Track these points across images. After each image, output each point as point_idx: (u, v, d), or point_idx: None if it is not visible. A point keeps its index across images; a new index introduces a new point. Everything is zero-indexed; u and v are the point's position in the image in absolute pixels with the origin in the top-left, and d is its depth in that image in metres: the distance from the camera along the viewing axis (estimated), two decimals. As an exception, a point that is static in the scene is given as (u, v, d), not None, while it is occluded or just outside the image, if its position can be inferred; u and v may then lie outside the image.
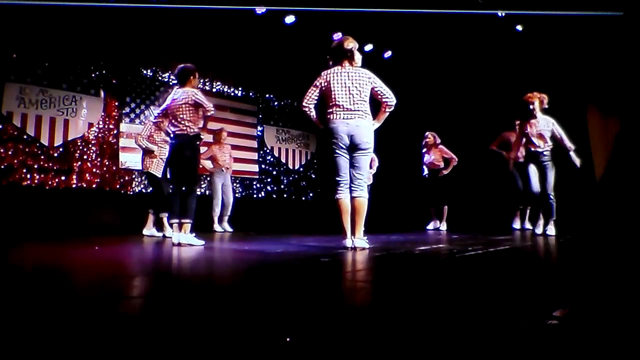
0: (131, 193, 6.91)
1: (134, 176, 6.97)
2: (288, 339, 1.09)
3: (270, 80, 8.77)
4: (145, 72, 7.29)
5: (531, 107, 5.16)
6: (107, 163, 6.73)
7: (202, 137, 4.19)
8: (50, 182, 6.19)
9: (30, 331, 1.20)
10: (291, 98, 9.24)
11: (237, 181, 8.13)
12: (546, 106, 5.22)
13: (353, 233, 3.50)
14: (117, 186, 6.81)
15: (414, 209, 8.28)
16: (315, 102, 3.63)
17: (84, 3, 5.91)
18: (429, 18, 6.84)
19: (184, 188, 4.12)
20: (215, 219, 6.61)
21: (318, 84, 3.59)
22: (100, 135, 6.72)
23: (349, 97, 3.48)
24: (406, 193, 8.82)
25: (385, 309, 1.54)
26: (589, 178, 7.73)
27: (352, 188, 3.53)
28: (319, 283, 2.11)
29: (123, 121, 6.96)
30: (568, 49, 7.38)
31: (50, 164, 6.23)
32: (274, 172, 8.88)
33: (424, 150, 7.30)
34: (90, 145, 6.60)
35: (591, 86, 7.82)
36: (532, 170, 5.25)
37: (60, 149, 6.34)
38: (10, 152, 5.92)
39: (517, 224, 6.48)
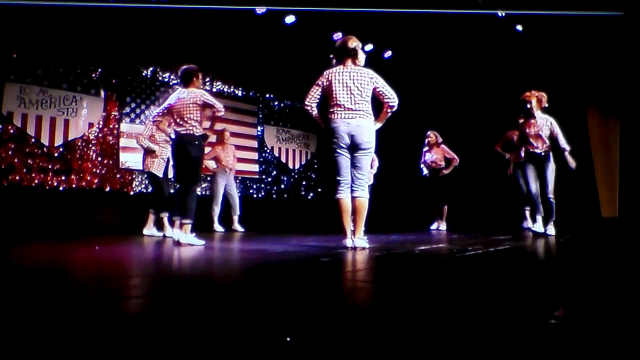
0: (131, 193, 6.91)
1: (134, 176, 6.97)
2: (288, 339, 1.09)
3: (270, 80, 8.77)
4: (145, 72, 7.29)
5: (528, 106, 5.08)
6: (107, 163, 6.73)
7: (208, 137, 4.19)
8: (50, 182, 6.19)
9: (30, 331, 1.21)
10: (291, 98, 9.24)
11: (238, 181, 8.11)
12: (545, 105, 5.12)
13: (353, 233, 3.50)
14: (117, 186, 6.81)
15: (414, 209, 8.28)
16: (318, 101, 3.62)
17: (84, 3, 5.92)
18: (429, 18, 6.85)
19: (186, 187, 4.12)
20: (215, 219, 6.61)
21: (320, 83, 3.59)
22: (100, 135, 6.72)
23: (350, 97, 3.47)
24: (407, 193, 8.82)
25: (385, 309, 1.54)
26: (589, 178, 7.74)
27: (353, 188, 3.52)
28: (319, 283, 2.11)
29: (123, 121, 6.96)
30: (568, 49, 7.38)
31: (51, 164, 6.23)
32: (274, 172, 8.88)
33: (426, 149, 7.30)
34: (90, 145, 6.60)
35: (591, 86, 7.82)
36: (531, 171, 5.14)
37: (61, 149, 6.34)
38: (10, 152, 5.92)
39: (527, 224, 6.42)
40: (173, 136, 4.24)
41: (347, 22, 6.75)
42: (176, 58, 7.50)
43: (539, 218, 5.14)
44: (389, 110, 3.61)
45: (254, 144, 8.57)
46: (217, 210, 6.64)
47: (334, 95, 3.50)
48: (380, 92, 3.56)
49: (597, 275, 2.34)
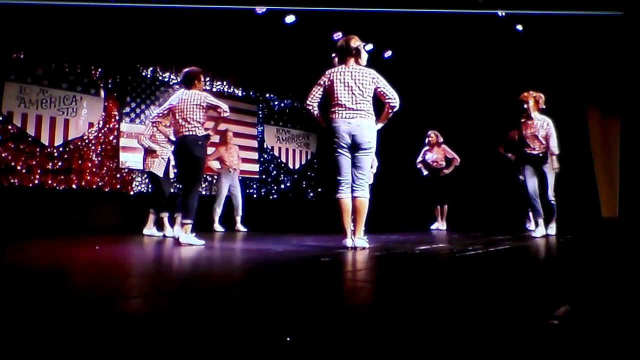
0: (131, 193, 6.91)
1: (134, 176, 6.97)
2: (288, 339, 1.09)
3: (270, 80, 8.77)
4: (145, 72, 7.29)
5: (525, 106, 5.04)
6: (107, 163, 6.73)
7: (210, 137, 4.20)
8: (50, 182, 6.19)
9: (29, 331, 1.21)
10: (291, 98, 9.24)
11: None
12: (543, 106, 5.06)
13: (354, 233, 3.50)
14: (117, 186, 6.81)
15: (415, 209, 8.28)
16: (319, 100, 3.62)
17: (84, 3, 5.91)
18: (429, 18, 6.84)
19: (188, 187, 4.13)
20: (216, 219, 6.61)
21: (322, 82, 3.59)
22: (100, 135, 6.72)
23: (352, 97, 3.47)
24: (407, 193, 8.82)
25: (385, 309, 1.54)
26: (589, 178, 7.74)
27: (354, 188, 3.52)
28: (319, 283, 2.11)
29: (123, 121, 6.96)
30: (568, 49, 7.38)
31: (51, 164, 6.22)
32: (274, 172, 8.88)
33: (426, 148, 7.29)
34: (90, 145, 6.60)
35: (591, 86, 7.82)
36: (529, 172, 5.09)
37: (61, 149, 6.34)
38: (10, 152, 5.92)
39: (530, 226, 6.34)
40: (173, 137, 4.25)
41: (347, 22, 6.75)
42: (176, 58, 7.52)
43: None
44: (390, 111, 3.61)
45: (254, 143, 8.58)
46: (218, 210, 6.64)
47: (336, 95, 3.50)
48: (382, 92, 3.56)
49: (597, 276, 2.34)
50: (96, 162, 6.63)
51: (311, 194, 9.42)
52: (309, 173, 9.46)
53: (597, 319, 1.36)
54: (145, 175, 6.89)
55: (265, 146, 8.80)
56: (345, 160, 3.53)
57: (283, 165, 9.04)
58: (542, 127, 5.00)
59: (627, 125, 7.49)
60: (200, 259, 3.16)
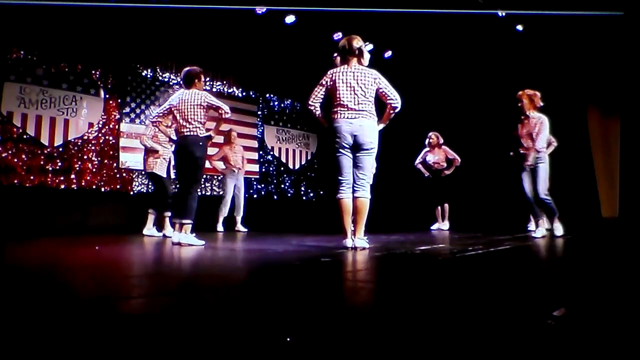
0: (131, 193, 6.90)
1: (134, 176, 6.96)
2: (288, 339, 1.09)
3: (270, 80, 8.77)
4: (145, 72, 7.29)
5: (519, 105, 4.97)
6: (107, 163, 6.73)
7: (212, 137, 4.19)
8: (50, 182, 6.19)
9: (28, 331, 1.20)
10: (292, 98, 9.24)
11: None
12: (540, 104, 4.95)
13: (354, 233, 3.50)
14: (117, 186, 6.81)
15: (415, 209, 8.28)
16: (321, 101, 3.61)
17: (84, 3, 5.91)
18: (429, 18, 6.84)
19: (187, 188, 4.12)
20: (220, 219, 6.60)
21: (324, 82, 3.58)
22: (100, 135, 6.72)
23: (354, 97, 3.47)
24: (408, 193, 8.82)
25: (385, 309, 1.54)
26: (589, 178, 7.74)
27: (355, 188, 3.52)
28: (319, 283, 2.11)
29: (123, 121, 6.96)
30: (568, 49, 7.38)
31: (50, 164, 6.22)
32: (274, 172, 8.88)
33: (427, 150, 7.30)
34: (90, 145, 6.60)
35: (591, 86, 7.82)
36: (525, 173, 5.01)
37: (61, 149, 6.34)
38: (10, 152, 5.91)
39: (532, 226, 6.28)
40: (174, 137, 4.24)
41: (347, 22, 6.75)
42: (176, 58, 7.51)
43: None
44: (392, 111, 3.61)
45: (254, 144, 8.57)
46: (224, 210, 6.63)
47: (338, 95, 3.49)
48: (384, 93, 3.56)
49: (597, 276, 2.34)
50: (96, 162, 6.63)
51: (311, 194, 9.42)
52: (309, 173, 9.46)
53: (597, 319, 1.36)
54: (145, 176, 6.90)
55: (265, 146, 8.80)
56: (346, 160, 3.53)
57: (283, 165, 9.04)
58: (536, 125, 4.91)
59: (627, 125, 7.50)
60: (200, 259, 3.16)
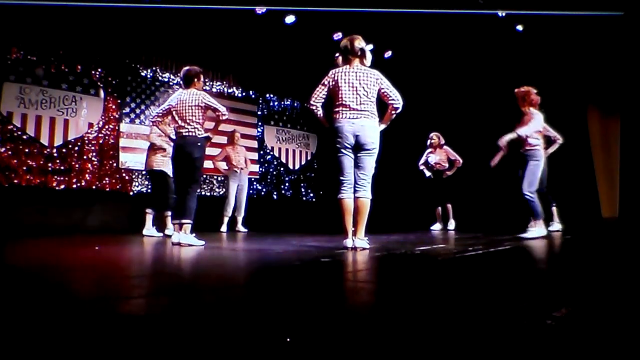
0: (131, 193, 6.90)
1: (133, 176, 6.96)
2: (288, 340, 1.09)
3: (270, 80, 8.76)
4: (145, 72, 7.29)
5: (518, 103, 4.93)
6: (107, 163, 6.72)
7: (210, 138, 4.20)
8: (50, 182, 6.18)
9: (28, 331, 1.20)
10: (292, 98, 9.24)
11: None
12: (535, 99, 4.85)
13: (354, 233, 3.49)
14: (117, 186, 6.80)
15: (416, 210, 8.27)
16: (323, 100, 3.61)
17: (84, 3, 5.91)
18: (429, 18, 6.84)
19: (187, 188, 4.12)
20: (225, 220, 6.60)
21: (326, 82, 3.58)
22: (100, 135, 6.72)
23: (356, 97, 3.47)
24: (408, 193, 8.82)
25: (385, 309, 1.54)
26: (589, 178, 7.74)
27: (356, 188, 3.52)
28: (319, 283, 2.11)
29: (123, 121, 6.96)
30: (568, 49, 7.38)
31: (50, 164, 6.22)
32: (274, 172, 8.87)
33: (429, 150, 7.30)
34: (90, 145, 6.60)
35: (591, 86, 7.82)
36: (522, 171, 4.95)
37: (61, 149, 6.33)
38: (10, 153, 5.91)
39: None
40: (173, 136, 4.24)
41: (347, 22, 6.74)
42: (176, 58, 7.51)
43: (537, 223, 4.97)
44: (393, 112, 3.62)
45: (254, 144, 8.57)
46: (228, 210, 6.62)
47: (340, 95, 3.49)
48: (385, 94, 3.56)
49: (597, 276, 2.34)
50: (96, 162, 6.62)
51: (311, 195, 9.42)
52: (309, 173, 9.46)
53: (597, 319, 1.36)
54: (147, 174, 6.90)
55: (265, 146, 8.80)
56: (348, 160, 3.53)
57: (283, 165, 9.04)
58: (528, 121, 4.79)
59: (627, 125, 7.50)
60: (200, 259, 3.16)
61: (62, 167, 6.32)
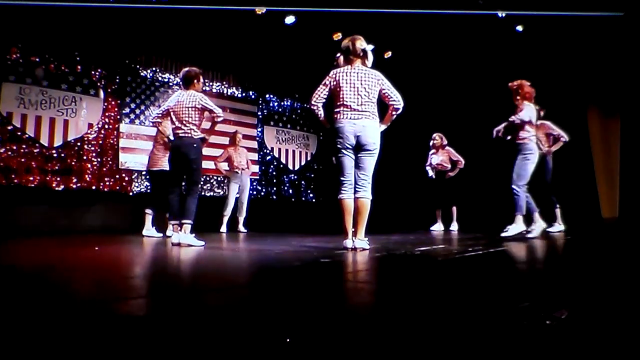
0: (131, 194, 6.90)
1: (134, 176, 6.96)
2: (288, 340, 1.09)
3: (270, 81, 8.76)
4: (145, 72, 7.29)
5: (512, 97, 4.90)
6: (106, 163, 6.72)
7: (206, 139, 4.21)
8: (49, 183, 6.18)
9: (27, 331, 1.20)
10: (291, 98, 9.23)
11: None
12: (528, 92, 4.82)
13: (354, 234, 3.49)
14: (117, 186, 6.80)
15: (417, 210, 8.26)
16: (324, 100, 3.61)
17: (84, 3, 5.91)
18: (429, 18, 6.84)
19: (184, 189, 4.14)
20: (224, 221, 6.59)
21: (327, 82, 3.58)
22: (100, 135, 6.71)
23: (357, 98, 3.47)
24: (408, 194, 8.81)
25: (385, 310, 1.53)
26: (589, 178, 7.73)
27: (356, 189, 3.52)
28: (319, 284, 2.11)
29: (123, 121, 6.95)
30: (568, 49, 7.38)
31: (50, 164, 6.22)
32: (274, 173, 8.87)
33: (432, 151, 7.30)
34: (90, 146, 6.59)
35: (591, 86, 7.82)
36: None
37: (60, 150, 6.33)
38: (9, 153, 5.91)
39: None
40: (172, 137, 4.25)
41: (347, 23, 6.74)
42: (176, 58, 7.51)
43: (536, 217, 4.92)
44: (394, 113, 3.62)
45: (254, 144, 8.57)
46: (228, 210, 6.62)
47: (341, 96, 3.49)
48: (386, 94, 3.56)
49: (597, 276, 2.34)
50: (96, 162, 6.62)
51: (311, 195, 9.41)
52: (308, 174, 9.46)
53: (597, 320, 1.35)
54: (148, 174, 6.89)
55: (264, 147, 8.79)
56: (349, 161, 3.53)
57: (283, 166, 9.04)
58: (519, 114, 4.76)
59: (628, 125, 7.49)
60: (200, 260, 3.16)
61: (62, 168, 6.31)
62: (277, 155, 8.97)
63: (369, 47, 3.68)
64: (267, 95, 8.92)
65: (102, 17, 6.24)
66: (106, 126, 6.79)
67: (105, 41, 6.71)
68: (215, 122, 4.21)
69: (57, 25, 6.17)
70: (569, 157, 6.46)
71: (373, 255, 3.16)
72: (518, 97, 4.87)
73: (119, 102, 6.95)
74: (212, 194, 7.73)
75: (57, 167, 6.27)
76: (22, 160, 6.00)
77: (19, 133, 6.00)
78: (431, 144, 7.29)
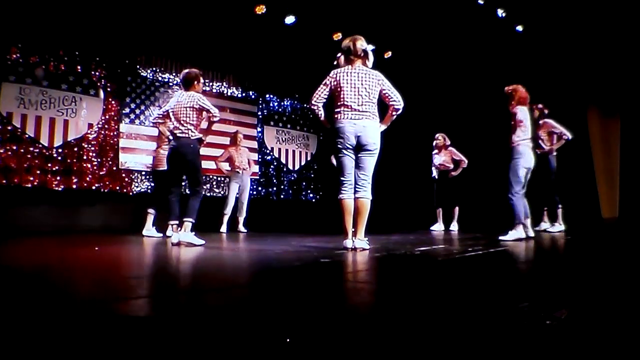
0: (131, 194, 6.90)
1: (134, 176, 6.96)
2: (288, 340, 1.09)
3: (270, 81, 8.76)
4: (145, 72, 7.29)
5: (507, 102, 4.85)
6: (107, 163, 6.72)
7: (203, 140, 4.22)
8: (49, 183, 6.18)
9: (27, 331, 1.20)
10: (291, 98, 9.23)
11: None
12: (523, 97, 4.75)
13: (354, 234, 3.49)
14: (117, 186, 6.80)
15: (417, 210, 8.26)
16: (325, 100, 3.61)
17: (83, 3, 5.92)
18: (429, 18, 6.85)
19: (187, 190, 4.15)
20: (225, 220, 6.59)
21: (328, 82, 3.58)
22: (100, 135, 6.71)
23: (358, 98, 3.47)
24: (410, 193, 8.81)
25: (385, 310, 1.53)
26: (589, 178, 7.73)
27: (357, 189, 3.52)
28: (319, 284, 2.11)
29: (123, 121, 6.95)
30: (568, 49, 7.38)
31: (50, 164, 6.22)
32: (274, 173, 8.87)
33: (435, 152, 7.29)
34: (90, 146, 6.59)
35: (591, 86, 7.82)
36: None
37: (60, 150, 6.33)
38: (9, 153, 5.91)
39: (544, 225, 6.13)
40: (171, 137, 4.27)
41: (347, 23, 6.75)
42: (176, 58, 7.51)
43: (527, 222, 4.88)
44: (394, 113, 3.63)
45: (254, 144, 8.56)
46: (228, 210, 6.61)
47: (342, 96, 3.49)
48: (387, 95, 3.57)
49: (597, 276, 2.34)
50: (96, 162, 6.62)
51: (311, 195, 9.41)
52: (308, 174, 9.45)
53: (597, 320, 1.35)
54: (147, 175, 6.89)
55: (264, 147, 8.79)
56: (349, 161, 3.53)
57: (283, 166, 9.03)
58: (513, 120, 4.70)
59: (628, 125, 7.50)
60: (200, 259, 3.16)
61: (62, 168, 6.31)
62: (277, 155, 8.97)
63: (370, 47, 3.68)
64: (267, 95, 8.92)
65: (103, 17, 6.25)
66: (106, 126, 6.79)
67: (105, 41, 6.71)
68: (212, 122, 4.24)
69: (58, 25, 6.17)
70: (569, 157, 6.46)
71: (373, 255, 3.16)
72: (513, 102, 4.76)
73: (119, 102, 6.94)
74: (212, 193, 7.73)
75: (57, 167, 6.27)
76: (23, 160, 6.00)
77: (19, 133, 6.00)
78: (434, 144, 7.29)
